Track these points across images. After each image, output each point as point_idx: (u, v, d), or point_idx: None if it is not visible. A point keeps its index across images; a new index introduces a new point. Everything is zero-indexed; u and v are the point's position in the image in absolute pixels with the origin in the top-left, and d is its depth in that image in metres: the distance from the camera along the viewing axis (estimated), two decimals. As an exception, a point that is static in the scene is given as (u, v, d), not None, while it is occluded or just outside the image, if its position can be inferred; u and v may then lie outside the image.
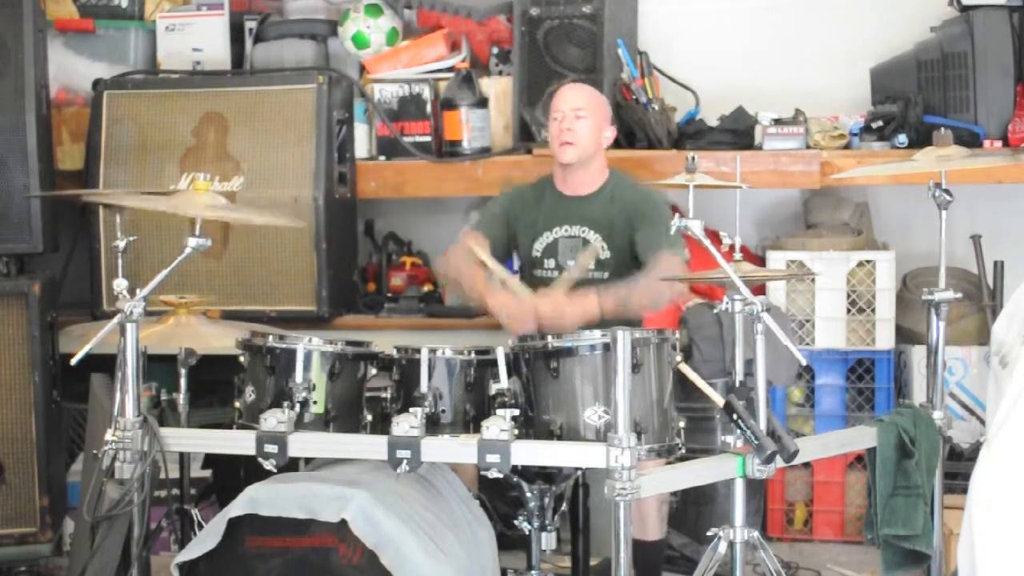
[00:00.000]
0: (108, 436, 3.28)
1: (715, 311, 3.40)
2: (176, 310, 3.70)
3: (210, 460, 4.63)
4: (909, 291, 4.92)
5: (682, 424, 3.37)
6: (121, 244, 3.53)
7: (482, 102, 4.92)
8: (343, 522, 3.10)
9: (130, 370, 3.27)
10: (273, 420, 3.29)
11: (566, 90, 4.19)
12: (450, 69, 5.00)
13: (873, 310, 4.80)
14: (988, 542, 2.21)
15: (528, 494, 3.55)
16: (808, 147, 4.76)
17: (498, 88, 4.97)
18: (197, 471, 4.51)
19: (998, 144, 4.65)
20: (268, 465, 3.29)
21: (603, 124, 4.12)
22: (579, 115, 4.04)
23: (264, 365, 3.47)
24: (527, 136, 4.84)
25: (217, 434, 3.55)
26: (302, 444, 3.31)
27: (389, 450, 3.21)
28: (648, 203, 4.04)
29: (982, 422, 4.73)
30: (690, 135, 4.87)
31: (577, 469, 3.57)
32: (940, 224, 3.66)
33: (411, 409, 3.26)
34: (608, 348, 3.19)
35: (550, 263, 4.10)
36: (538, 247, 4.12)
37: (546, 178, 4.19)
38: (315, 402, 3.43)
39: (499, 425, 3.16)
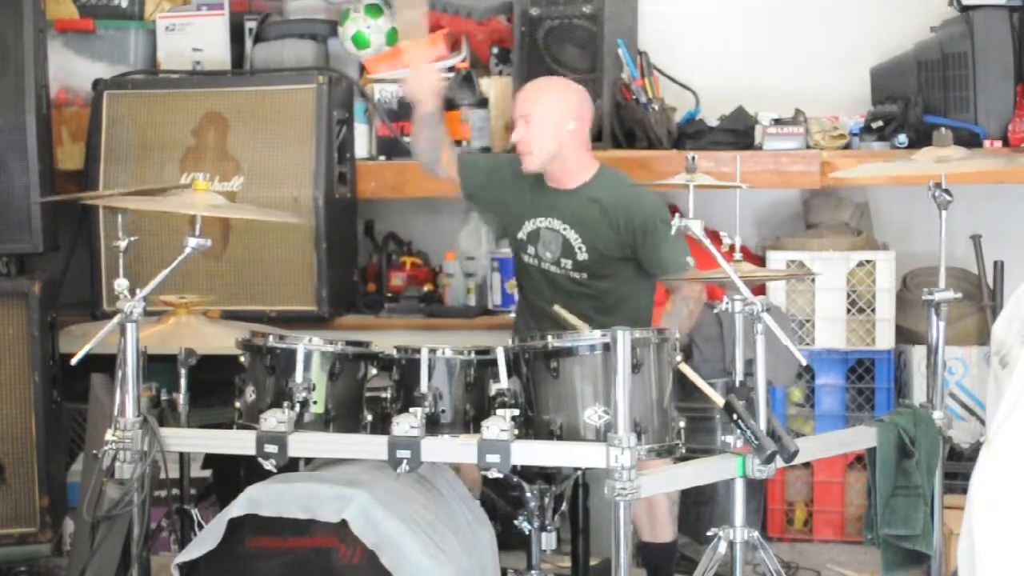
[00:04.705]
0: (108, 436, 3.28)
1: (715, 311, 3.39)
2: (176, 310, 3.70)
3: (210, 460, 4.62)
4: (909, 291, 4.92)
5: (682, 424, 3.37)
6: (121, 244, 3.53)
7: (482, 102, 4.92)
8: (343, 522, 3.10)
9: (130, 370, 3.27)
10: (273, 420, 3.28)
11: (520, 91, 4.07)
12: (450, 69, 5.00)
13: (873, 310, 4.79)
14: (988, 542, 2.21)
15: (528, 494, 3.55)
16: (808, 147, 4.76)
17: (498, 88, 4.97)
18: (197, 471, 4.50)
19: (998, 144, 4.66)
20: (268, 465, 3.28)
21: (561, 120, 3.91)
22: (527, 120, 3.90)
23: (264, 365, 3.46)
24: (527, 136, 4.84)
25: (217, 434, 3.54)
26: (302, 444, 3.30)
27: (389, 450, 3.21)
28: (643, 213, 3.88)
29: (982, 422, 4.72)
30: (690, 135, 4.87)
31: (577, 469, 3.57)
32: (940, 224, 3.65)
33: (411, 409, 3.25)
34: (608, 348, 3.19)
35: (531, 250, 4.03)
36: (523, 233, 4.04)
37: None
38: (315, 402, 3.42)
39: (499, 425, 3.15)
